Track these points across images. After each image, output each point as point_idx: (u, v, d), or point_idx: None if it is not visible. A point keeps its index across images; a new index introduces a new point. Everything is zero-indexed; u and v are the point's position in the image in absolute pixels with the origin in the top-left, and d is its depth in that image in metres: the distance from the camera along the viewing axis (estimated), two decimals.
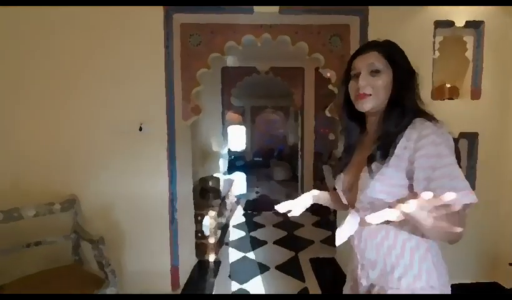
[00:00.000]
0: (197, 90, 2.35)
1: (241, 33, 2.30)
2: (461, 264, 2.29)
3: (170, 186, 2.20)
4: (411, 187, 0.73)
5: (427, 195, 0.49)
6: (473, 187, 2.12)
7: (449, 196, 0.47)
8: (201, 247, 3.00)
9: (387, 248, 0.79)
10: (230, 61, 4.58)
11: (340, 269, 2.60)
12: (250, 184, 7.33)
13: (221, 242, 3.36)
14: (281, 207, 0.98)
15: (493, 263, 2.31)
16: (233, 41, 2.31)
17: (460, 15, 2.14)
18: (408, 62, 0.84)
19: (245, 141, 11.67)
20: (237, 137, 11.71)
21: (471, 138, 2.24)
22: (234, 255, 3.10)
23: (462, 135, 2.22)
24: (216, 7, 2.09)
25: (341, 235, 0.62)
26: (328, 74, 3.63)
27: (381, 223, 0.58)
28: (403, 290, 0.76)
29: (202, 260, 2.90)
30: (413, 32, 2.15)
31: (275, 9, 2.09)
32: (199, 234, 3.04)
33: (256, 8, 2.08)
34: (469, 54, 2.23)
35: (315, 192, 1.07)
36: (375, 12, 2.13)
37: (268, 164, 9.44)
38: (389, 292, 0.78)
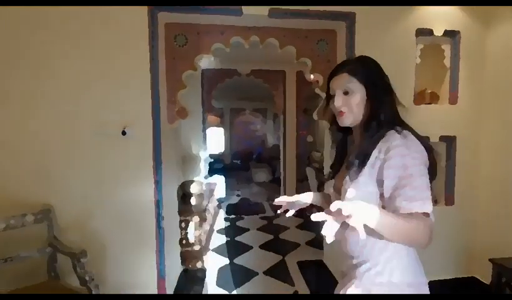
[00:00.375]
0: (183, 92, 2.26)
1: (229, 35, 2.26)
2: (440, 261, 2.41)
3: (156, 193, 2.09)
4: (382, 195, 0.80)
5: (333, 206, 0.61)
6: (452, 187, 2.21)
7: (346, 209, 0.61)
8: (186, 255, 2.88)
9: (360, 246, 0.86)
10: (212, 63, 4.50)
11: (329, 271, 2.63)
12: (230, 187, 7.26)
13: (206, 248, 3.26)
14: (280, 201, 1.02)
15: (471, 259, 2.45)
16: (221, 43, 2.26)
17: (439, 24, 2.26)
18: (381, 77, 0.90)
19: (224, 144, 11.54)
20: (215, 140, 11.56)
21: (450, 141, 2.36)
22: (220, 261, 3.02)
23: (442, 138, 2.33)
24: (204, 7, 2.03)
25: (327, 231, 0.63)
26: (312, 77, 3.69)
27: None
28: (364, 282, 0.86)
29: (188, 269, 2.79)
30: (396, 39, 2.23)
31: (264, 11, 2.07)
32: (183, 241, 2.93)
33: (245, 9, 2.05)
34: (447, 61, 2.36)
35: (311, 193, 1.10)
36: (361, 18, 2.18)
37: (247, 166, 9.41)
38: (353, 281, 0.88)
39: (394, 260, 0.83)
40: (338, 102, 0.88)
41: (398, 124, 0.84)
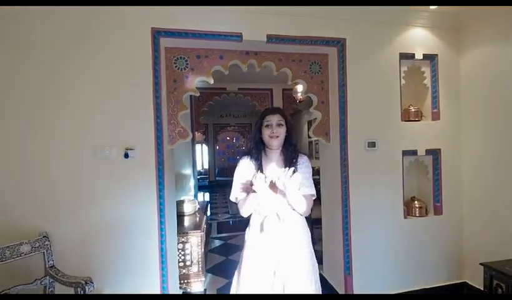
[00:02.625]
0: (183, 113, 2.30)
1: (228, 59, 2.35)
2: (433, 268, 2.55)
3: (159, 216, 2.08)
4: None
5: (279, 182, 1.38)
6: (440, 197, 2.35)
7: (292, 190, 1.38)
8: (184, 277, 2.84)
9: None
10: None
11: (330, 285, 2.67)
12: (218, 205, 7.20)
13: (204, 269, 3.21)
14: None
15: (461, 264, 2.60)
16: (220, 66, 2.34)
17: (419, 48, 2.48)
18: (291, 122, 1.59)
19: (208, 160, 11.47)
20: (199, 157, 11.47)
21: (435, 154, 2.55)
22: (218, 282, 2.98)
23: (428, 151, 2.52)
24: (206, 33, 2.11)
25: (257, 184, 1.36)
26: (300, 96, 3.85)
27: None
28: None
29: (187, 293, 2.73)
30: (383, 62, 2.43)
31: (262, 37, 2.18)
32: (180, 264, 2.88)
33: (245, 35, 2.16)
34: (427, 81, 2.58)
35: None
36: (351, 43, 2.36)
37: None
38: None
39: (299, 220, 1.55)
40: (275, 129, 1.49)
41: (298, 150, 1.56)
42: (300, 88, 3.99)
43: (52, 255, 1.84)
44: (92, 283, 1.63)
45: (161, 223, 2.10)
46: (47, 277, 1.80)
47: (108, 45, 1.99)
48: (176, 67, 2.26)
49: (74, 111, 1.95)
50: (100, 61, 1.99)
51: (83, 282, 1.62)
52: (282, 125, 1.50)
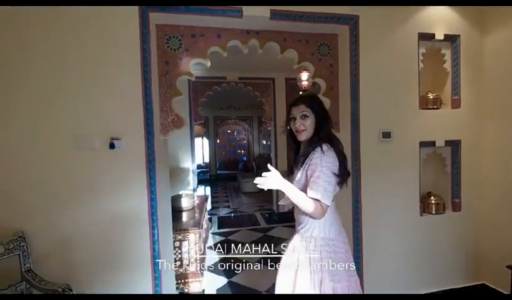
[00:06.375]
0: (177, 99, 2.07)
1: (227, 38, 2.10)
2: (450, 269, 2.35)
3: (150, 212, 1.86)
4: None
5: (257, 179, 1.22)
6: (458, 193, 2.14)
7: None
8: (181, 277, 2.64)
9: (298, 215, 1.37)
10: (200, 70, 4.32)
11: None
12: (218, 199, 7.02)
13: (202, 268, 3.02)
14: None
15: (479, 265, 2.39)
16: (218, 46, 2.10)
17: (439, 28, 2.23)
18: (323, 108, 1.36)
19: (208, 153, 11.25)
20: (199, 150, 11.25)
21: (454, 145, 2.31)
22: (218, 281, 2.80)
23: (448, 143, 2.28)
24: (202, 7, 1.87)
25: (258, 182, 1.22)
26: (306, 83, 3.60)
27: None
28: (299, 235, 1.35)
29: (184, 292, 2.54)
30: (400, 43, 2.17)
31: (265, 12, 1.93)
32: (177, 262, 2.68)
33: (246, 10, 1.91)
34: (447, 65, 2.33)
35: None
36: (364, 21, 2.10)
37: (234, 176, 9.19)
38: (294, 235, 1.40)
39: (314, 222, 1.29)
40: (298, 122, 1.32)
41: (328, 141, 1.28)
42: (304, 76, 3.73)
43: (28, 258, 1.64)
44: (71, 290, 1.43)
45: (153, 221, 1.88)
46: (23, 282, 1.60)
47: (90, 20, 1.75)
48: (168, 47, 2.02)
49: (51, 95, 1.72)
50: (82, 38, 1.75)
51: (61, 289, 1.42)
52: (307, 116, 1.30)
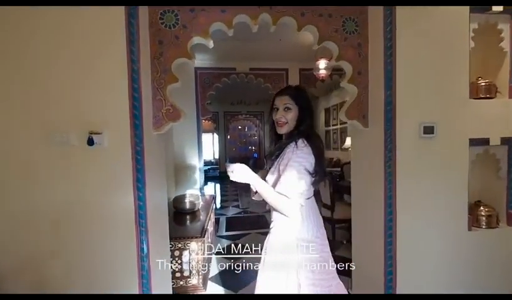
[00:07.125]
0: (173, 87, 1.74)
1: (233, 13, 1.74)
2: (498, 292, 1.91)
3: (137, 224, 1.53)
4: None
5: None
6: None
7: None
8: (180, 290, 2.34)
9: (271, 212, 1.33)
10: (207, 61, 3.99)
11: None
12: (228, 198, 6.73)
13: (206, 279, 2.70)
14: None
15: None
16: (222, 22, 1.74)
17: None
18: (308, 102, 1.30)
19: (219, 150, 10.97)
20: (209, 146, 11.00)
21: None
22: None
23: (504, 141, 1.85)
24: None
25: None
26: (323, 73, 3.19)
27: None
28: (271, 232, 1.31)
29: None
30: (446, 16, 1.74)
31: None
32: (177, 274, 2.38)
33: None
34: (505, 44, 1.89)
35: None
36: None
37: None
38: (268, 235, 1.33)
39: (287, 221, 1.21)
40: (279, 114, 1.27)
41: (305, 136, 1.22)
42: (322, 64, 3.33)
43: None
44: None
45: (141, 233, 1.55)
46: None
47: None
48: (163, 23, 1.68)
49: (15, 77, 1.41)
50: (52, 10, 1.43)
51: None
52: (290, 109, 1.26)
